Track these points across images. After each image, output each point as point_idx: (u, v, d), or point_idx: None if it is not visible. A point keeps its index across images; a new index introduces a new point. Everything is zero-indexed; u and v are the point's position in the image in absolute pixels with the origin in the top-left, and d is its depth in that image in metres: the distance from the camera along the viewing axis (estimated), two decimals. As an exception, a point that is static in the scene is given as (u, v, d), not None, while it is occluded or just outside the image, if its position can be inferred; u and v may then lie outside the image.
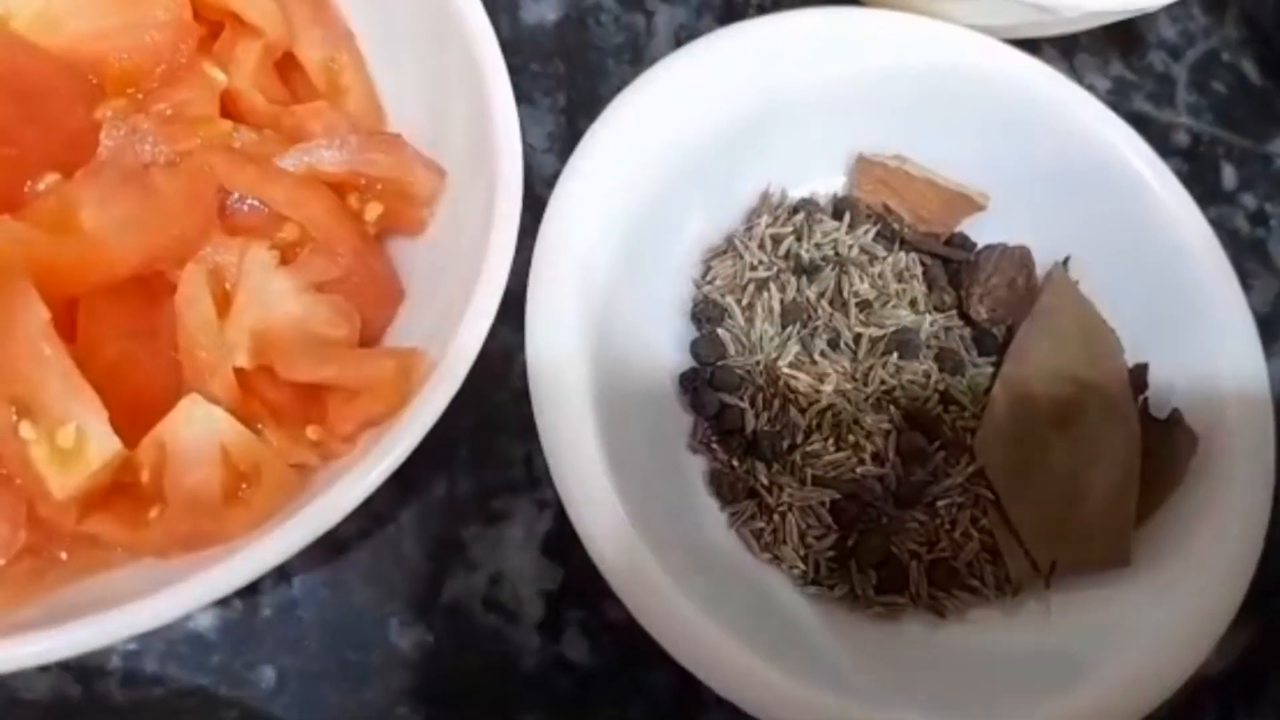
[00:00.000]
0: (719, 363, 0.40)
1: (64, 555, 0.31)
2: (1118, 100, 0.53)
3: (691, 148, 0.41)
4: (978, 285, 0.43)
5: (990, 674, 0.38)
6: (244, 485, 0.31)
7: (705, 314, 0.41)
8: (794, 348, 0.40)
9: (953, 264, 0.44)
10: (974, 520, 0.40)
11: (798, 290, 0.42)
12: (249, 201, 0.34)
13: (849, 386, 0.40)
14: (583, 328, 0.36)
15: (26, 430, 0.29)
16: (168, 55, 0.34)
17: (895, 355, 0.41)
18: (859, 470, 0.39)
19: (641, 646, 0.34)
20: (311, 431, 0.33)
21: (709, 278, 0.42)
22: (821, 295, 0.42)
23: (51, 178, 0.32)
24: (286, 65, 0.38)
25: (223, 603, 0.37)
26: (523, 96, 0.46)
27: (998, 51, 0.44)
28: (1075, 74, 0.53)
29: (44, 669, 0.35)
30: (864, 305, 0.42)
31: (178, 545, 0.31)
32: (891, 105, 0.44)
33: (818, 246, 0.42)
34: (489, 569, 0.40)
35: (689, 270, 0.43)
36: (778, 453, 0.39)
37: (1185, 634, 0.38)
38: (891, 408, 0.40)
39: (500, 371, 0.41)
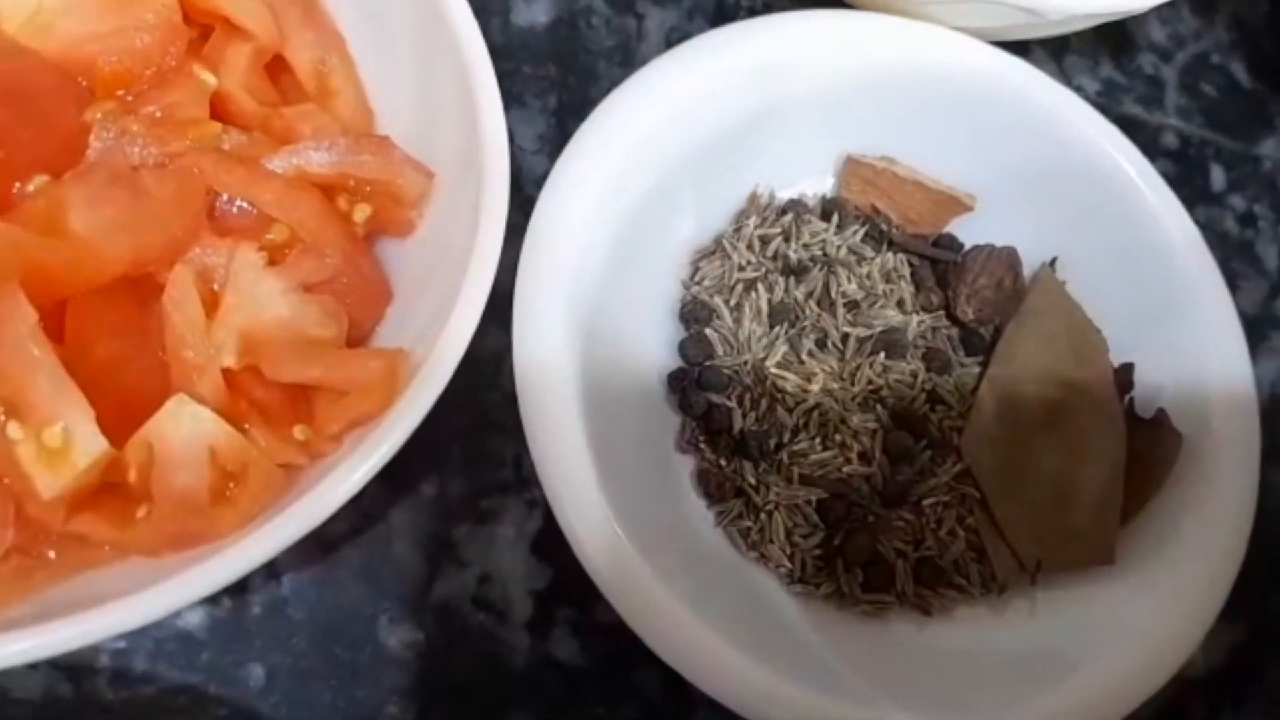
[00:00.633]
0: (707, 363, 0.41)
1: (52, 554, 0.31)
2: (1107, 102, 0.53)
3: (680, 149, 0.41)
4: (965, 286, 0.43)
5: (976, 671, 0.38)
6: (231, 485, 0.32)
7: (693, 314, 0.42)
8: (782, 348, 0.41)
9: (940, 264, 0.44)
10: (960, 519, 0.40)
11: (786, 291, 0.42)
12: (238, 203, 0.34)
13: (836, 386, 0.41)
14: (571, 328, 0.37)
15: (14, 430, 0.30)
16: (157, 58, 0.34)
17: (882, 355, 0.41)
18: (846, 469, 0.40)
19: (631, 646, 0.34)
20: (299, 431, 0.33)
21: (697, 278, 0.42)
22: (809, 295, 0.42)
23: (41, 179, 0.33)
24: (277, 67, 0.38)
25: (212, 601, 0.37)
26: (514, 98, 0.46)
27: (985, 54, 0.44)
28: (1065, 76, 0.53)
29: (33, 667, 0.35)
30: (852, 305, 0.42)
31: (166, 544, 0.31)
32: (880, 107, 0.44)
33: (806, 247, 0.43)
34: (479, 568, 0.40)
35: (677, 271, 0.43)
36: (765, 452, 0.39)
37: (1170, 631, 0.38)
38: (878, 407, 0.41)
39: (491, 372, 0.41)
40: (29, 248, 0.31)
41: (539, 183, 0.39)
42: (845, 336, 0.41)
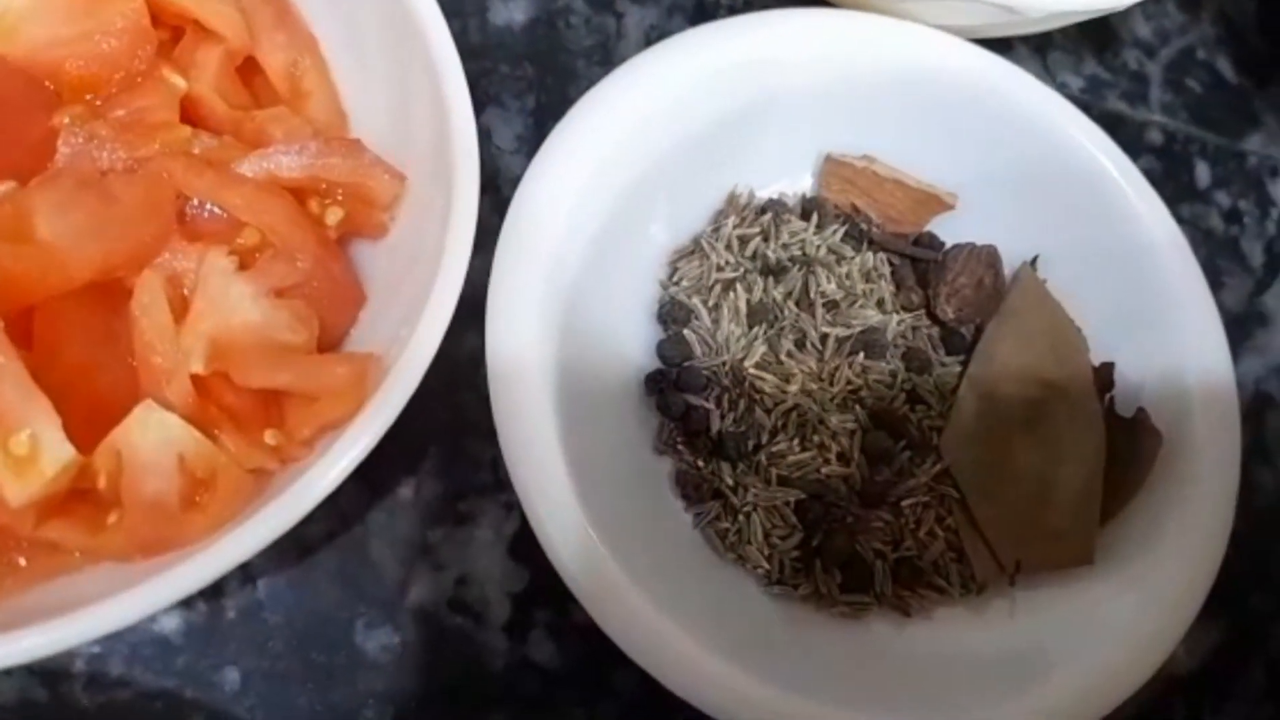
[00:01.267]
0: (685, 364, 0.41)
1: (22, 561, 0.31)
2: (1092, 98, 0.53)
3: (658, 148, 0.41)
4: (945, 284, 0.43)
5: (956, 672, 0.38)
6: (202, 491, 0.32)
7: (672, 315, 0.41)
8: (760, 348, 0.40)
9: (921, 263, 0.44)
10: (939, 519, 0.40)
11: (764, 291, 0.42)
12: (208, 207, 0.34)
13: (815, 386, 0.40)
14: (546, 328, 0.36)
15: (-20, 438, 0.29)
16: (125, 62, 0.34)
17: (862, 355, 0.41)
18: (824, 470, 0.40)
19: (609, 647, 0.34)
20: (270, 436, 0.33)
21: (675, 279, 0.42)
22: (788, 296, 0.42)
23: (7, 185, 0.32)
24: (250, 69, 0.38)
25: (187, 605, 0.37)
26: (492, 99, 0.46)
27: (966, 52, 0.44)
28: (1049, 73, 0.53)
29: (8, 673, 0.35)
30: (831, 305, 0.42)
31: (137, 550, 0.31)
32: (860, 105, 0.44)
33: (785, 247, 0.43)
34: (456, 570, 0.40)
35: (655, 271, 0.43)
36: (743, 453, 0.39)
37: (1150, 630, 0.38)
38: (857, 407, 0.41)
39: (469, 374, 0.41)
40: (-5, 255, 0.31)
41: (517, 183, 0.38)
42: (824, 336, 0.41)
